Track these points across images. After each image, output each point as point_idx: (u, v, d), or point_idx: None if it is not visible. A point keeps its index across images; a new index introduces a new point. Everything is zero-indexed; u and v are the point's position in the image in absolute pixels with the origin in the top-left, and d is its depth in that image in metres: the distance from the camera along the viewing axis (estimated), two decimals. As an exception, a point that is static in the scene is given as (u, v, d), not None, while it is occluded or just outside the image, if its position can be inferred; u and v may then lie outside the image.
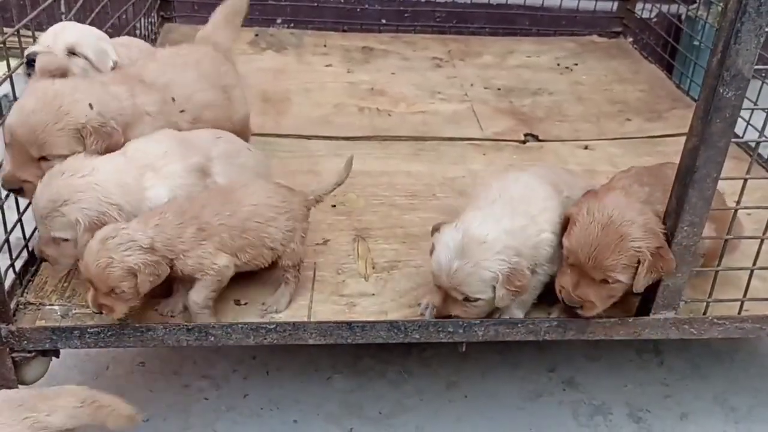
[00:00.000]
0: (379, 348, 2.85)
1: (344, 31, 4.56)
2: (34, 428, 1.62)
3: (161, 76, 2.50)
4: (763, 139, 2.22)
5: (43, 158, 2.14)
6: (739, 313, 2.31)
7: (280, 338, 2.18)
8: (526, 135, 3.45)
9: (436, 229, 2.20)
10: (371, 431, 2.56)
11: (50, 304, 2.24)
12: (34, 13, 2.44)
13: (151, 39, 3.99)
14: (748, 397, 2.77)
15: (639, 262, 2.07)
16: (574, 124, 3.59)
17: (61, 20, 2.71)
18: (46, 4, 2.53)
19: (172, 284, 2.20)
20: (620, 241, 2.05)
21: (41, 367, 2.24)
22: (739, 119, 1.97)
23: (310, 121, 3.45)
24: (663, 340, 2.64)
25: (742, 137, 2.94)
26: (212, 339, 2.16)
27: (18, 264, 2.30)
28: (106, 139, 2.16)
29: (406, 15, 5.04)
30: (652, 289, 2.20)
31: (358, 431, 2.55)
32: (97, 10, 3.11)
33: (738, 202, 2.16)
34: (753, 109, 2.20)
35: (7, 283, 2.16)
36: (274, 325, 2.18)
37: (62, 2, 2.92)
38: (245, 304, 2.29)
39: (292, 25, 4.79)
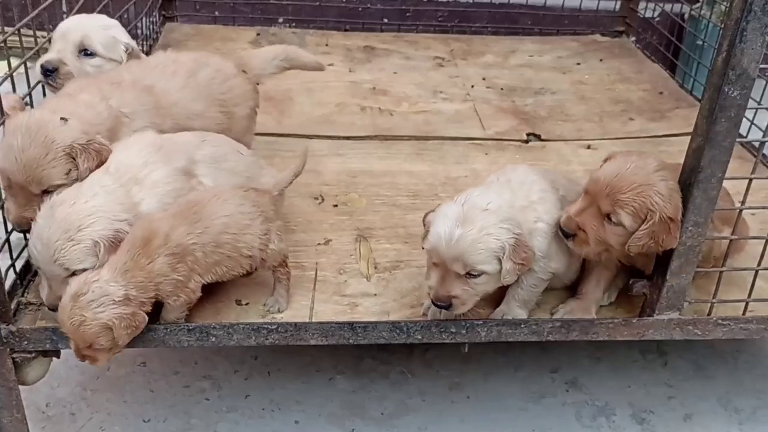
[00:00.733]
0: (381, 349, 2.85)
1: (346, 30, 4.55)
2: None
3: (145, 78, 2.47)
4: (768, 138, 2.20)
5: (44, 191, 2.12)
6: (743, 313, 2.30)
7: (282, 339, 2.17)
8: (528, 135, 3.44)
9: (427, 217, 2.13)
10: (373, 432, 2.56)
11: (51, 305, 2.23)
12: (35, 12, 2.44)
13: (153, 38, 3.99)
14: (753, 399, 2.76)
15: (647, 218, 2.03)
16: (576, 124, 3.58)
17: (62, 20, 2.70)
18: (47, 3, 2.52)
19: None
20: (646, 187, 2.02)
21: (42, 368, 2.23)
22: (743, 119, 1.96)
23: (312, 121, 3.44)
24: (667, 340, 2.63)
25: (746, 137, 2.93)
26: (213, 339, 2.16)
27: (19, 264, 2.30)
28: (96, 157, 2.14)
29: (408, 14, 5.05)
30: (656, 290, 2.19)
31: (360, 432, 2.55)
32: (98, 9, 3.10)
33: (743, 202, 2.15)
34: (757, 109, 2.19)
35: (8, 283, 2.16)
36: (275, 326, 2.17)
37: (63, 1, 2.91)
38: (246, 304, 2.28)
39: (294, 24, 4.79)
